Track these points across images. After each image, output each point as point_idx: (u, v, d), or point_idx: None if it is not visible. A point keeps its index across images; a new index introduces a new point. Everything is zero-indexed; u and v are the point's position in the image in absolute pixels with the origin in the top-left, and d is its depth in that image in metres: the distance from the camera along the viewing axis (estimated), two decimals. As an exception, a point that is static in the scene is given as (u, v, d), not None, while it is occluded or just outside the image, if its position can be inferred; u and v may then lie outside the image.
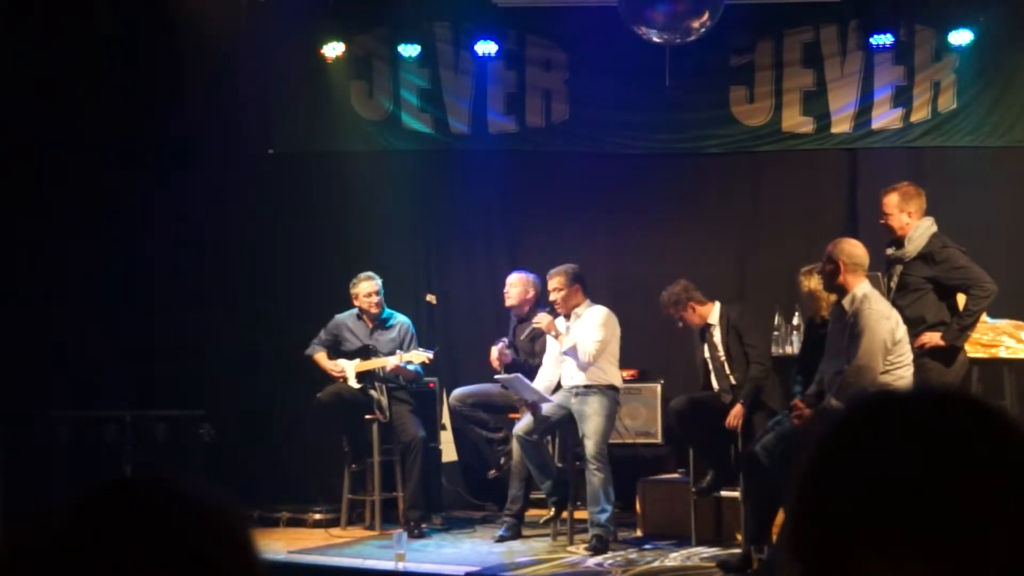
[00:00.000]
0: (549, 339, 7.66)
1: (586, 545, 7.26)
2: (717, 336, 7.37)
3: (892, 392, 1.12)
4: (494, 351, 8.06)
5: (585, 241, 8.86)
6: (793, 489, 1.10)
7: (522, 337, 8.09)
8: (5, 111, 8.26)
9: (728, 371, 7.31)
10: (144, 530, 1.06)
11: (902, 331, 6.18)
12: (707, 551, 7.13)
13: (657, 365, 8.49)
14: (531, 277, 8.16)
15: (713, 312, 7.39)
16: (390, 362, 7.90)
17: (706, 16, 7.20)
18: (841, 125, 8.84)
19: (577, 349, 7.41)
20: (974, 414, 1.08)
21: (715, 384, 7.39)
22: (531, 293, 8.12)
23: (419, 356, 7.90)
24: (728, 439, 7.25)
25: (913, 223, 6.66)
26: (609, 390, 7.42)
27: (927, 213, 6.71)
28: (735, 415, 7.13)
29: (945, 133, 8.74)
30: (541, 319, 7.59)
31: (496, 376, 7.82)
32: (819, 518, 1.06)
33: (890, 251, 6.78)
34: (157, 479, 1.13)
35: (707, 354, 7.43)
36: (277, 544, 7.37)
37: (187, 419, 8.20)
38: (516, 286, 8.14)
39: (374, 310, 8.08)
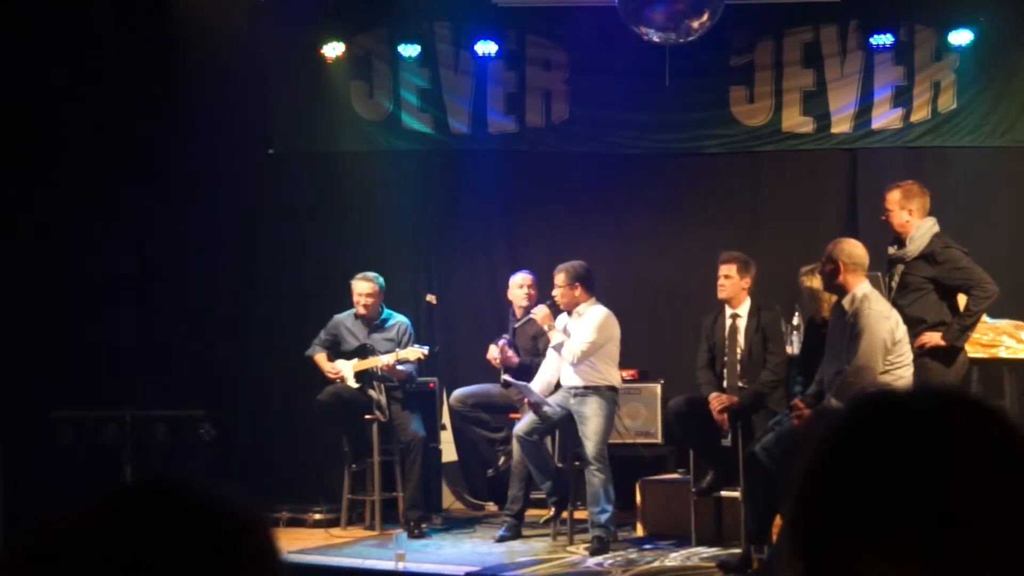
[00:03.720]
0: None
1: (586, 545, 7.26)
2: (742, 330, 7.31)
3: (892, 392, 1.12)
4: (492, 349, 8.07)
5: (585, 241, 8.84)
6: (793, 488, 1.10)
7: (517, 325, 8.12)
8: (4, 111, 8.26)
9: (740, 371, 7.26)
10: (165, 533, 1.06)
11: (902, 331, 6.18)
12: (707, 551, 7.12)
13: (657, 365, 8.48)
14: (533, 276, 8.19)
15: (744, 303, 7.35)
16: (382, 360, 7.89)
17: (706, 16, 7.20)
18: (841, 125, 8.84)
19: (564, 347, 7.42)
20: (974, 414, 1.08)
21: (725, 376, 7.32)
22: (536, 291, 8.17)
23: (414, 353, 7.90)
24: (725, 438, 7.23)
25: (914, 222, 6.66)
26: (608, 391, 7.42)
27: (929, 213, 6.71)
28: (723, 401, 7.06)
29: (945, 133, 8.74)
30: (537, 311, 7.60)
31: (503, 379, 7.82)
32: (819, 518, 1.06)
33: (892, 250, 6.78)
34: (176, 480, 1.12)
35: (727, 341, 7.34)
36: (277, 544, 7.36)
37: (187, 419, 8.20)
38: (533, 287, 8.17)
39: (361, 311, 8.07)
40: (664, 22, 7.27)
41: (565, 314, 7.59)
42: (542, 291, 8.07)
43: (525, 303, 8.15)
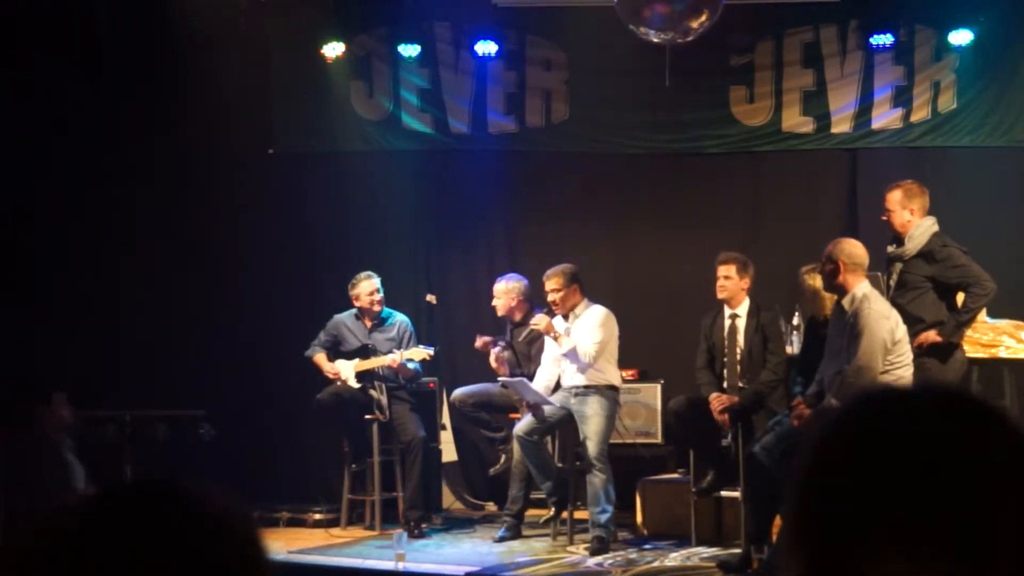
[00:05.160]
0: (547, 339, 7.64)
1: (586, 545, 7.25)
2: (742, 330, 7.30)
3: (891, 390, 1.12)
4: (493, 353, 8.05)
5: (585, 241, 8.86)
6: (792, 488, 1.10)
7: (519, 340, 8.08)
8: (4, 111, 8.26)
9: (740, 371, 7.26)
10: (151, 534, 1.06)
11: (902, 331, 6.18)
12: (707, 551, 7.12)
13: (657, 365, 8.48)
14: (514, 282, 8.11)
15: (744, 303, 7.34)
16: (387, 359, 7.89)
17: (705, 16, 7.20)
18: (841, 125, 8.84)
19: (576, 351, 7.39)
20: (973, 413, 1.08)
21: (725, 376, 7.31)
22: (518, 298, 8.07)
23: (419, 353, 7.90)
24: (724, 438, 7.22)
25: (915, 221, 6.66)
26: (609, 390, 7.41)
27: (928, 213, 6.71)
28: (724, 402, 7.06)
29: (945, 133, 8.74)
30: (539, 320, 7.54)
31: (500, 379, 7.81)
32: (819, 517, 1.06)
33: (891, 248, 6.79)
34: (163, 482, 1.13)
35: (726, 342, 7.32)
36: (277, 544, 7.37)
37: (187, 419, 8.19)
38: (500, 297, 8.11)
39: (376, 308, 8.09)
40: (663, 22, 7.26)
41: (561, 318, 7.56)
42: (535, 295, 8.03)
43: (502, 314, 8.14)
